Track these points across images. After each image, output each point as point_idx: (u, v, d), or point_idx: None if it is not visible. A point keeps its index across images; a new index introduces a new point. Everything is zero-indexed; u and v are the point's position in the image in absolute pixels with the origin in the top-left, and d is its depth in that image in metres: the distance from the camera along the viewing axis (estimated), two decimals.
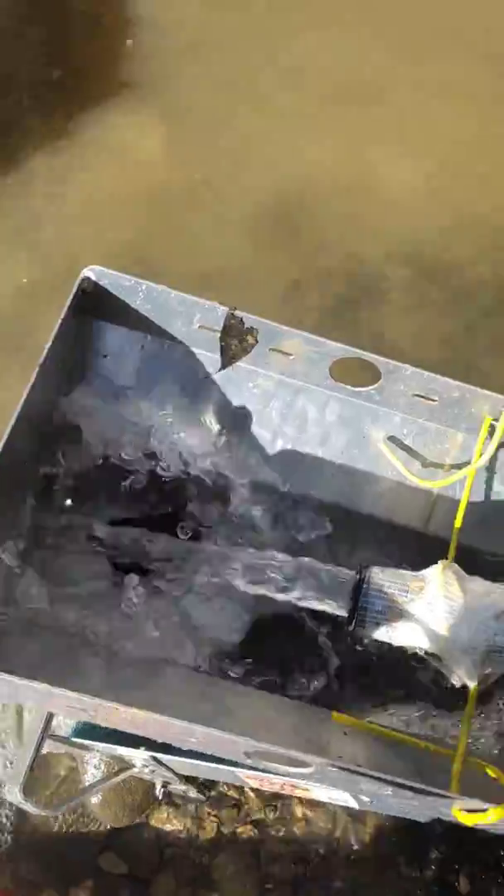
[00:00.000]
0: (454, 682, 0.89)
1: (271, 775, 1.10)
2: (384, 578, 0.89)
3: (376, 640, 0.90)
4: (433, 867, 1.35)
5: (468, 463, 1.04)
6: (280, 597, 0.93)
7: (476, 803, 0.76)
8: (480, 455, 1.03)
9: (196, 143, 2.21)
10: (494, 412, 1.02)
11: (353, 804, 1.15)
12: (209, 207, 2.07)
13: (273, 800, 1.42)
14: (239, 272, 1.92)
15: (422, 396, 1.03)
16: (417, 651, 0.90)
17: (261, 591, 0.95)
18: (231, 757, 0.91)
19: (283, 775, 1.05)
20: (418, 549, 1.09)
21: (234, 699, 1.02)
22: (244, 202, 2.05)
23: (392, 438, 1.08)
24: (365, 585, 0.87)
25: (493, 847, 1.35)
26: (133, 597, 1.03)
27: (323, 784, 0.88)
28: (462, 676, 0.87)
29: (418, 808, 0.91)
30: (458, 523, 1.02)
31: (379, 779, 0.78)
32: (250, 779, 1.19)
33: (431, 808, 0.88)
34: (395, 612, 0.87)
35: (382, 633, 0.89)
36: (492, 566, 1.05)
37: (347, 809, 1.40)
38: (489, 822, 0.73)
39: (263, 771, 1.04)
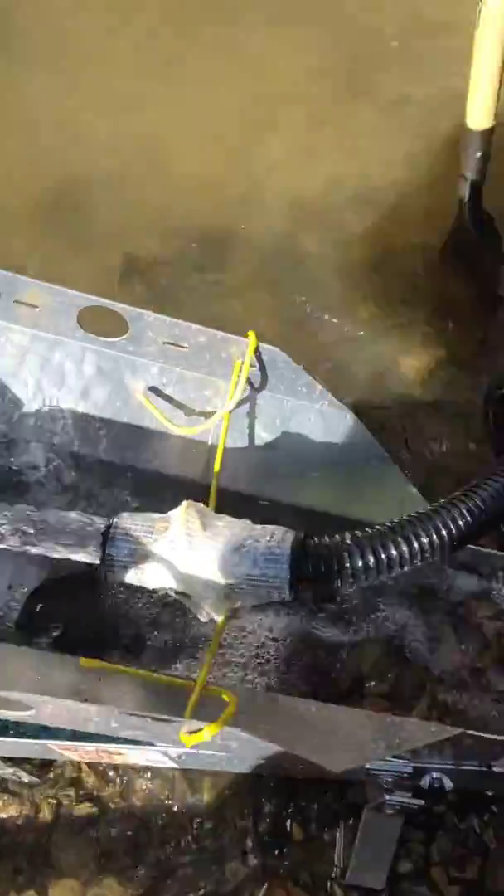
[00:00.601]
0: (202, 618, 0.93)
1: (84, 746, 1.13)
2: (131, 522, 0.92)
3: (129, 585, 0.94)
4: (267, 819, 1.38)
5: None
6: (34, 550, 0.95)
7: (196, 724, 0.80)
8: (232, 398, 1.08)
9: None
10: (244, 356, 1.07)
11: (170, 763, 1.19)
12: None
13: (113, 776, 1.44)
14: None
15: (172, 344, 1.07)
16: (168, 592, 0.93)
17: (9, 544, 0.96)
18: None
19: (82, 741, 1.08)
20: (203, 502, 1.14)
21: None
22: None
23: (153, 389, 1.12)
24: (112, 531, 0.91)
25: (321, 796, 1.40)
26: None
27: (85, 733, 0.89)
28: (209, 611, 0.91)
29: (164, 736, 0.89)
30: (216, 467, 1.07)
31: (132, 714, 0.80)
32: (65, 750, 1.21)
33: (172, 740, 0.88)
34: (140, 555, 0.91)
35: (132, 577, 0.92)
36: (267, 511, 1.10)
37: (186, 776, 1.43)
38: (207, 739, 0.76)
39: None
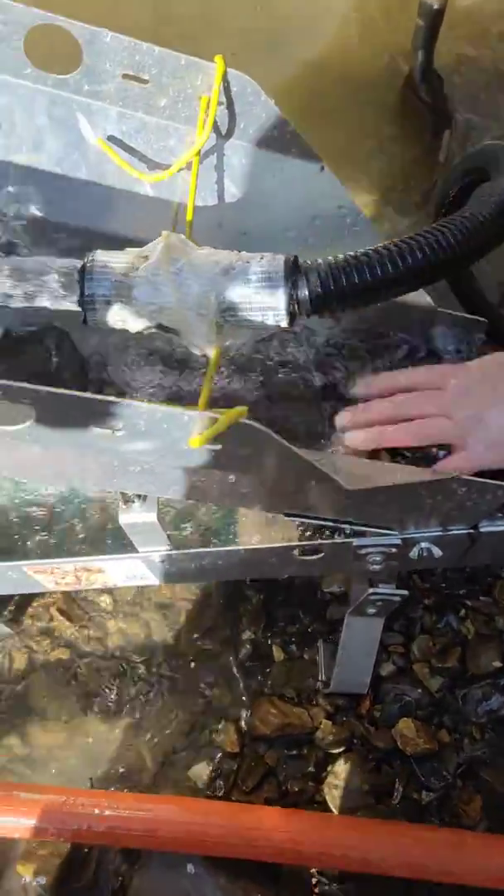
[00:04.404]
0: (196, 353, 0.88)
1: (61, 565, 1.09)
2: (109, 257, 0.85)
3: (112, 328, 0.87)
4: (247, 646, 1.38)
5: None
6: (11, 303, 0.88)
7: (208, 417, 0.73)
8: (201, 132, 1.00)
9: None
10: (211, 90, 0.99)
11: (152, 577, 1.15)
12: None
13: (85, 620, 1.41)
14: None
15: (133, 78, 0.98)
16: (154, 331, 0.86)
17: None
18: None
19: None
20: None
21: None
22: None
23: (112, 139, 1.04)
24: (89, 266, 0.83)
25: (299, 618, 1.40)
26: None
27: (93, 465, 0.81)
28: (201, 345, 0.85)
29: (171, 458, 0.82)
30: (189, 216, 1.01)
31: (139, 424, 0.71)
32: (39, 573, 1.16)
33: (179, 461, 0.81)
34: (122, 290, 0.83)
35: (114, 318, 0.84)
36: None
37: (162, 613, 1.41)
38: (223, 428, 0.69)
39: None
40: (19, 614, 1.38)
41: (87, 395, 0.71)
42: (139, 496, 0.96)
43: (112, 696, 1.35)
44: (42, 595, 1.42)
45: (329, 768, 1.26)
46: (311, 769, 1.27)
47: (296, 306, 0.80)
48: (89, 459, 0.81)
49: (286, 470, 0.82)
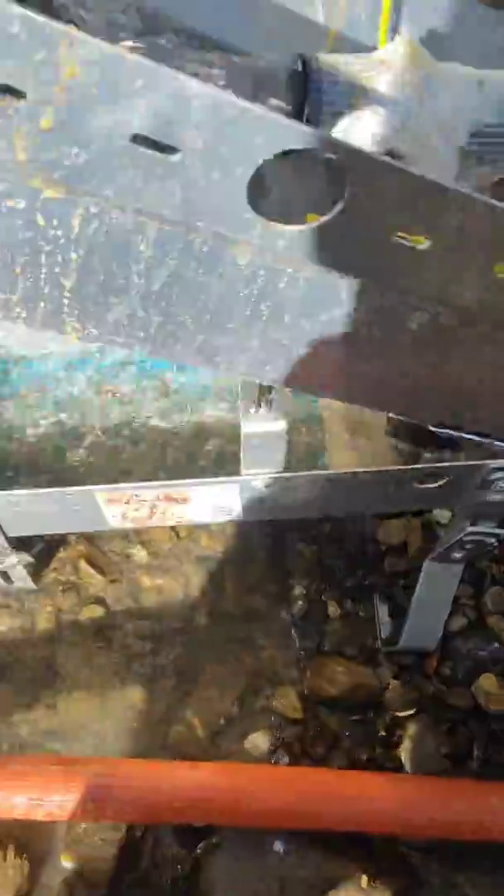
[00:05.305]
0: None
1: (142, 491, 0.91)
2: (339, 58, 0.69)
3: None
4: (299, 603, 1.24)
5: None
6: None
7: None
8: None
9: None
10: None
11: (239, 510, 0.98)
12: None
13: (116, 574, 1.23)
14: None
15: None
16: (387, 150, 0.70)
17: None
18: None
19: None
20: None
21: None
22: None
23: None
24: (314, 67, 0.67)
25: (351, 571, 1.28)
26: None
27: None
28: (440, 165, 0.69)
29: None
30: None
31: None
32: (113, 504, 0.97)
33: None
34: (356, 94, 0.67)
35: (340, 128, 0.68)
36: None
37: (201, 562, 1.25)
38: None
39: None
40: (41, 567, 1.19)
41: None
42: (266, 400, 0.82)
43: (150, 660, 1.18)
44: (65, 544, 1.23)
45: (400, 732, 1.15)
46: (381, 733, 1.15)
47: None
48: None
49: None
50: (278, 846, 0.98)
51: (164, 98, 0.47)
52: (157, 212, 0.52)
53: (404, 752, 1.13)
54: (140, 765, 0.99)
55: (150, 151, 0.48)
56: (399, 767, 1.12)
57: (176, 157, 0.50)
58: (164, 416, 0.99)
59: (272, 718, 1.16)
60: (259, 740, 1.14)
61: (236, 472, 0.90)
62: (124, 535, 1.23)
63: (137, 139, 0.48)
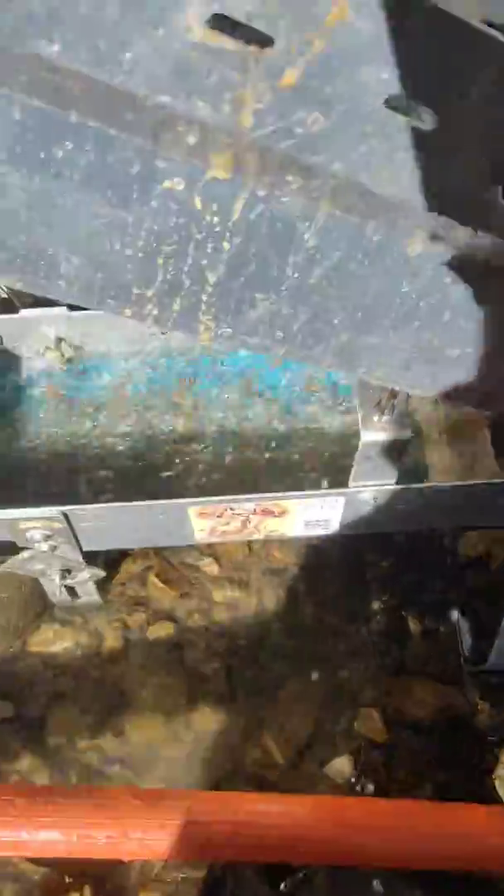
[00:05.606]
0: None
1: (238, 504, 0.84)
2: None
3: None
4: (378, 617, 1.17)
5: None
6: None
7: None
8: None
9: None
10: None
11: (336, 524, 0.91)
12: None
13: (186, 587, 1.16)
14: None
15: None
16: None
17: None
18: None
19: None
20: None
21: None
22: None
23: None
24: None
25: (430, 585, 1.21)
26: None
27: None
28: None
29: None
30: None
31: None
32: (204, 517, 0.90)
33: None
34: None
35: None
36: None
37: (280, 578, 1.18)
38: None
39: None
40: (106, 580, 1.12)
41: None
42: (391, 407, 0.74)
43: (222, 680, 1.11)
44: (132, 556, 1.16)
45: (491, 758, 1.08)
46: (472, 758, 1.08)
47: None
48: None
49: None
50: (377, 885, 0.91)
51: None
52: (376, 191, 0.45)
53: (498, 780, 1.06)
54: (229, 798, 0.92)
55: (402, 117, 0.40)
56: (489, 795, 1.05)
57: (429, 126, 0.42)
58: (254, 421, 0.93)
59: (353, 742, 1.09)
60: (342, 765, 1.07)
61: (340, 484, 0.83)
62: (194, 547, 1.16)
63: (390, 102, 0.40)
